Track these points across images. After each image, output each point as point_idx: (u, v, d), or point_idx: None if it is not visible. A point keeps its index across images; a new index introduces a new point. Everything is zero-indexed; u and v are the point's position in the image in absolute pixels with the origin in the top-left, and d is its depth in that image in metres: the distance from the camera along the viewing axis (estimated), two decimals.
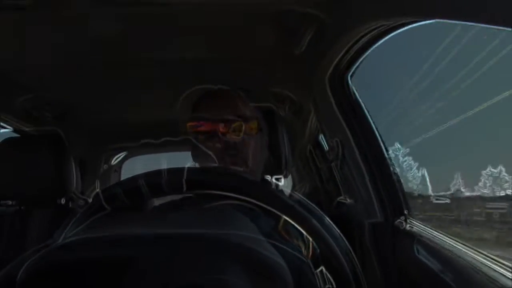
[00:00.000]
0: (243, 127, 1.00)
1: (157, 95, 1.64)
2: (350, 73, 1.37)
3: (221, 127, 0.99)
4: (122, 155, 2.71)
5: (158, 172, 0.79)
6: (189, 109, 1.06)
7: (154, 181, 0.78)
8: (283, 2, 1.04)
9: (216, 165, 0.96)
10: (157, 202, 0.93)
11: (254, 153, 1.04)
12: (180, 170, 0.78)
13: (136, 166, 2.93)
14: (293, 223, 0.77)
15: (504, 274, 0.84)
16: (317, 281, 0.74)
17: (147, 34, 1.20)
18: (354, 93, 1.42)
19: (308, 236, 0.77)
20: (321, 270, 0.75)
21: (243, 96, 1.06)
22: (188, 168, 0.78)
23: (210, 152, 0.92)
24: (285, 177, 1.15)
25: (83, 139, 2.20)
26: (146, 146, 2.51)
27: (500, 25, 0.62)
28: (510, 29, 0.59)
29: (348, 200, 1.77)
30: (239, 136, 0.99)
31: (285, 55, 1.33)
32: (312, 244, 0.77)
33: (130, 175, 0.82)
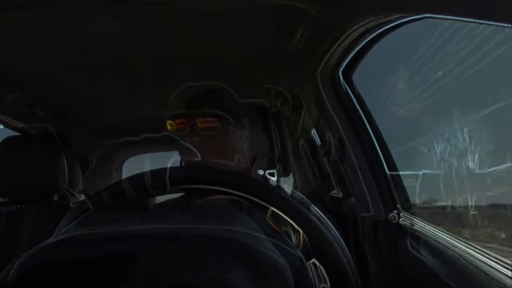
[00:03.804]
0: (220, 121, 1.00)
1: (155, 93, 1.65)
2: (342, 68, 1.37)
3: (199, 122, 0.99)
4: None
5: (141, 175, 0.79)
6: (170, 109, 1.07)
7: (138, 183, 0.79)
8: (278, 0, 1.04)
9: (198, 159, 0.96)
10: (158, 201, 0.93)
11: (240, 146, 1.03)
12: (162, 170, 0.78)
13: (135, 164, 2.92)
14: (281, 214, 0.77)
15: (495, 267, 0.84)
16: (310, 274, 0.74)
17: (145, 33, 1.20)
18: (346, 89, 1.42)
19: (299, 228, 0.77)
20: (313, 262, 0.75)
21: (226, 91, 1.05)
22: (170, 167, 0.78)
23: (190, 146, 0.92)
24: (281, 173, 1.14)
25: (83, 137, 2.20)
26: (134, 144, 2.52)
27: (501, 22, 0.61)
28: (510, 26, 0.59)
29: (341, 194, 1.78)
30: (215, 130, 0.99)
31: (277, 51, 1.33)
32: (303, 233, 0.77)
33: (131, 174, 0.83)
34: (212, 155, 0.97)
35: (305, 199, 0.94)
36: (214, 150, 0.98)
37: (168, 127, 1.03)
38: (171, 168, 0.79)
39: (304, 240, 0.78)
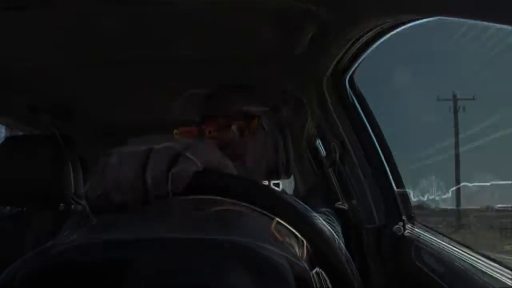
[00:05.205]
0: (232, 129, 1.00)
1: (157, 94, 1.65)
2: (348, 74, 1.36)
3: (207, 131, 0.99)
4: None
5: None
6: (177, 115, 1.06)
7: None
8: (283, 1, 1.03)
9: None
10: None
11: (252, 152, 1.03)
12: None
13: None
14: (286, 224, 0.76)
15: (503, 280, 0.83)
16: (313, 283, 0.73)
17: (146, 33, 1.20)
18: (351, 95, 1.41)
19: (303, 239, 0.76)
20: (317, 271, 0.74)
21: (240, 95, 1.05)
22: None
23: (191, 156, 0.89)
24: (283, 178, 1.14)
25: (84, 137, 2.20)
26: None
27: (504, 23, 0.61)
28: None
29: (346, 205, 1.76)
30: (228, 135, 0.99)
31: (283, 55, 1.33)
32: (306, 244, 0.76)
33: None
34: (217, 162, 0.96)
35: (308, 208, 0.93)
36: (220, 155, 0.97)
37: (175, 136, 1.02)
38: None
39: (308, 252, 0.77)
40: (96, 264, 0.62)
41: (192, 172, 0.73)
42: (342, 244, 0.92)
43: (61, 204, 1.56)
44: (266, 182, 1.11)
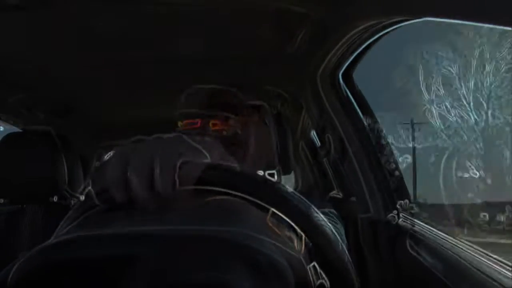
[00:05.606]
0: (234, 122, 1.01)
1: (156, 93, 1.65)
2: (342, 70, 1.38)
3: (211, 124, 1.00)
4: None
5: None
6: (182, 109, 1.07)
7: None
8: (281, 2, 1.04)
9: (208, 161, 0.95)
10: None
11: (252, 148, 1.04)
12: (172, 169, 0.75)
13: None
14: (285, 217, 0.76)
15: (495, 267, 0.85)
16: (310, 276, 0.74)
17: (145, 33, 1.20)
18: (346, 91, 1.42)
19: (300, 231, 0.76)
20: (314, 266, 0.75)
21: (239, 92, 1.06)
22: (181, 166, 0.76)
23: (199, 146, 0.90)
24: (280, 173, 1.15)
25: (84, 136, 2.19)
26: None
27: (501, 25, 0.62)
28: (510, 28, 0.59)
29: (341, 195, 1.78)
30: (228, 130, 1.00)
31: (278, 53, 1.34)
32: (305, 238, 0.76)
33: None
34: (220, 157, 0.96)
35: (306, 200, 0.94)
36: (223, 151, 0.98)
37: (182, 128, 1.03)
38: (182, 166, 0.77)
39: (306, 245, 0.78)
40: (95, 261, 0.62)
41: (204, 164, 0.73)
42: (344, 246, 0.93)
43: (55, 197, 1.56)
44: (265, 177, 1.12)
